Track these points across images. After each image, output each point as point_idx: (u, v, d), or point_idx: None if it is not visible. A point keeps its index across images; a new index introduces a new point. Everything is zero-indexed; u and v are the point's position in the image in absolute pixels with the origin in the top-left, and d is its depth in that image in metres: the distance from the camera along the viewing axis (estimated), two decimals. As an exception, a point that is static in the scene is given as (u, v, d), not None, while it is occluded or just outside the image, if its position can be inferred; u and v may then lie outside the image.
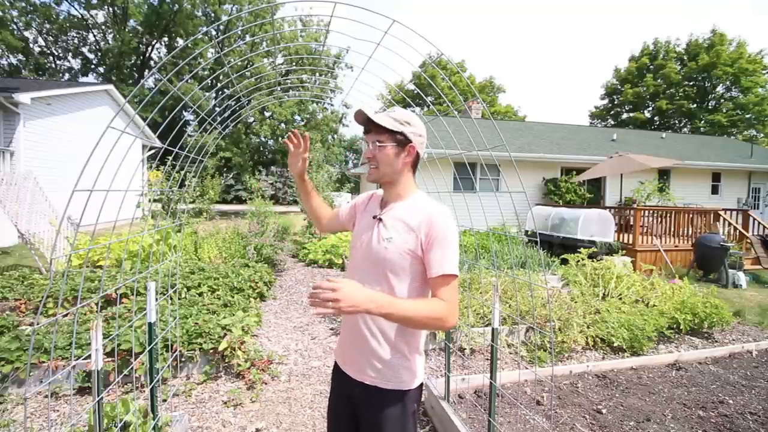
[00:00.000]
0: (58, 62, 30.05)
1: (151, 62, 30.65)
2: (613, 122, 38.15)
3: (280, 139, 27.25)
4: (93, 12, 28.83)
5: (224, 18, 27.38)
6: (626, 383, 3.28)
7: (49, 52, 29.31)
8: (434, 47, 1.75)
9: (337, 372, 1.39)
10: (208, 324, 3.46)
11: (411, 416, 1.26)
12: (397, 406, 1.23)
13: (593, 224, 8.42)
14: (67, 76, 29.84)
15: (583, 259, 6.18)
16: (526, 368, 3.48)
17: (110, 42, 28.90)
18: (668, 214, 8.97)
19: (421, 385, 1.31)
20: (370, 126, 1.25)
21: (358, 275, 1.28)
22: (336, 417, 1.40)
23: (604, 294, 5.22)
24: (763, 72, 31.02)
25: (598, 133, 18.62)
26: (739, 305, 5.71)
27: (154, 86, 29.00)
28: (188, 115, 23.92)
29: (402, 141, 1.24)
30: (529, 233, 9.89)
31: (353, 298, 0.98)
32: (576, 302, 4.61)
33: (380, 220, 1.27)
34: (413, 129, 1.25)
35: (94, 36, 30.08)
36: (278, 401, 2.94)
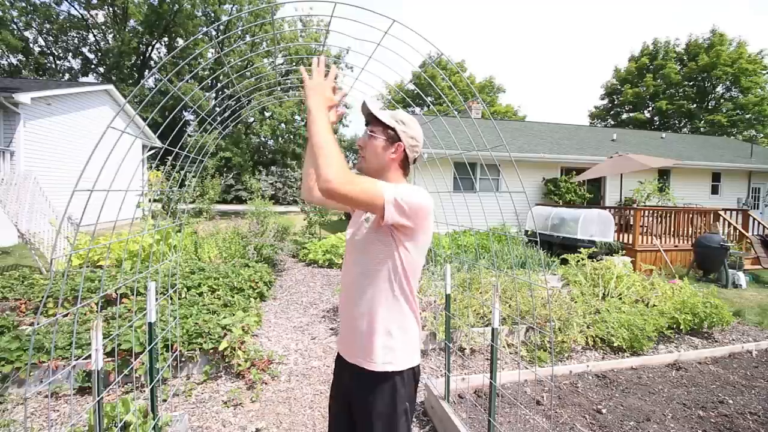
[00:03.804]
0: (58, 62, 30.05)
1: (151, 62, 30.65)
2: (613, 122, 38.11)
3: (280, 139, 27.26)
4: (93, 12, 28.83)
5: (224, 18, 27.39)
6: (626, 383, 3.28)
7: (49, 52, 29.30)
8: (434, 47, 1.75)
9: (338, 358, 1.42)
10: (208, 324, 3.46)
11: (402, 400, 1.25)
12: (387, 389, 1.23)
13: (593, 224, 8.42)
14: (67, 76, 29.83)
15: (583, 259, 6.18)
16: (526, 368, 3.48)
17: (110, 42, 28.90)
18: (668, 214, 8.97)
19: (414, 369, 1.29)
20: (369, 117, 1.34)
21: (350, 264, 1.35)
22: (336, 403, 1.42)
23: (604, 294, 5.22)
24: (763, 72, 30.98)
25: (598, 133, 18.61)
26: (739, 305, 5.71)
27: (154, 86, 29.00)
28: (188, 115, 23.92)
29: (392, 137, 1.31)
30: (529, 233, 9.89)
31: (320, 86, 1.21)
32: (576, 302, 4.61)
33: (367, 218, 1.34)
34: (406, 129, 1.31)
35: (94, 36, 30.07)
36: (278, 401, 2.94)
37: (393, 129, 1.30)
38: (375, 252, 1.25)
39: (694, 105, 34.21)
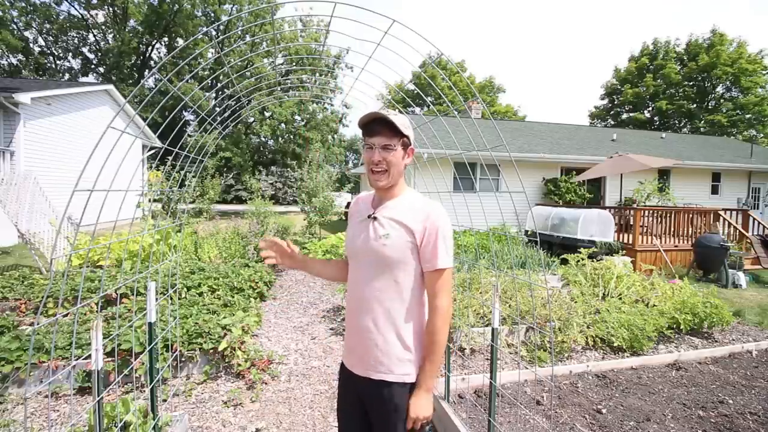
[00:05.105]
0: (58, 62, 30.05)
1: (151, 62, 30.65)
2: (613, 122, 38.11)
3: (280, 139, 27.25)
4: (93, 12, 28.85)
5: (224, 18, 27.39)
6: (626, 383, 3.28)
7: (49, 52, 29.31)
8: (434, 47, 1.75)
9: (344, 372, 1.40)
10: (208, 324, 3.46)
11: None
12: (404, 398, 1.25)
13: (593, 224, 8.41)
14: (67, 76, 29.84)
15: (583, 259, 6.17)
16: (526, 368, 3.48)
17: (110, 42, 28.91)
18: (668, 214, 8.97)
19: None
20: (381, 128, 1.26)
21: (363, 276, 1.31)
22: (347, 417, 1.41)
23: (604, 294, 5.21)
24: (763, 72, 30.97)
25: (598, 133, 18.61)
26: (739, 305, 5.71)
27: (154, 86, 29.01)
28: (188, 115, 23.93)
29: (406, 144, 1.31)
30: (529, 233, 9.89)
31: (425, 410, 1.24)
32: (576, 302, 4.61)
33: (375, 218, 1.30)
34: (410, 133, 1.32)
35: (94, 36, 30.09)
36: (278, 401, 2.94)
37: (408, 137, 1.29)
38: (400, 269, 1.25)
39: (694, 105, 34.20)
